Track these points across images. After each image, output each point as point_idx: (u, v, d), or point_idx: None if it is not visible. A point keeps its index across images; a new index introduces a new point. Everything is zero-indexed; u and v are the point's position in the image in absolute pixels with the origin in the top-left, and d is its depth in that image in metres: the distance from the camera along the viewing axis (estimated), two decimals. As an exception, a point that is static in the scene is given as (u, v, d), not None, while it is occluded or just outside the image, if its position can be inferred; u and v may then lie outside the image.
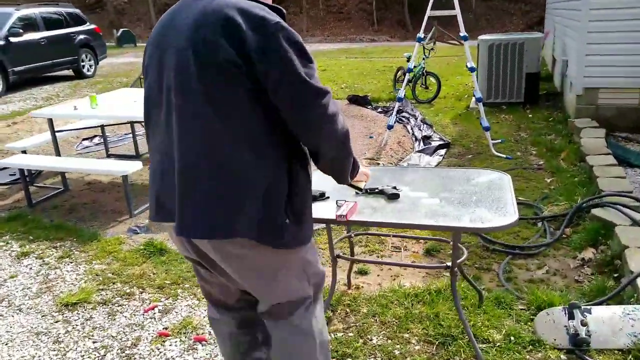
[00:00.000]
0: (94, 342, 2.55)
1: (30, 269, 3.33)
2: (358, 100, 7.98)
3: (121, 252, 3.48)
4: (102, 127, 5.71)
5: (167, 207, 1.51)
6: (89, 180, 5.03)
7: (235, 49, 1.34)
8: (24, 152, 4.78)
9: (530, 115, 6.76)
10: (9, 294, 3.03)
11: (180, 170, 1.44)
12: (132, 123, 5.86)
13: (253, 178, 1.42)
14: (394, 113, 5.76)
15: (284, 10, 1.48)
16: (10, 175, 5.10)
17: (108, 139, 6.06)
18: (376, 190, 2.29)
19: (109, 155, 5.78)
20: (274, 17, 1.39)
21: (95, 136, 6.48)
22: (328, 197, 2.29)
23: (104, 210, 4.30)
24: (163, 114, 1.50)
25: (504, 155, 5.24)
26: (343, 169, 1.68)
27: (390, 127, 5.69)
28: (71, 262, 3.39)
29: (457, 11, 5.03)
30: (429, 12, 5.21)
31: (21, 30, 10.04)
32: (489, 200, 2.15)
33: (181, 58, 1.40)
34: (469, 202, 2.15)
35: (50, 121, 4.63)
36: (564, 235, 3.46)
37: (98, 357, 2.43)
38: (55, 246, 3.63)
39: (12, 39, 9.85)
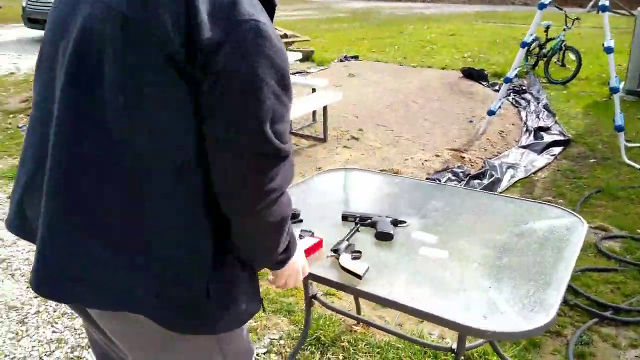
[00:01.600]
0: (53, 332, 2.29)
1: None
2: (472, 74, 6.89)
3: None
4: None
5: (29, 222, 1.02)
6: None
7: (178, 34, 0.82)
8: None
9: (693, 115, 5.20)
10: (12, 255, 2.94)
11: (54, 180, 0.91)
12: None
13: (165, 223, 0.91)
14: (500, 96, 4.74)
15: (276, 2, 0.95)
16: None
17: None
18: (368, 220, 1.63)
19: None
20: (252, 10, 0.86)
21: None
22: (301, 221, 1.68)
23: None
24: (49, 83, 0.97)
25: (638, 166, 4.01)
26: (258, 255, 1.06)
27: (491, 113, 4.69)
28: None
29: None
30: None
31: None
32: (526, 270, 1.37)
33: (98, 18, 0.87)
34: (491, 269, 1.40)
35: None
36: (688, 303, 2.42)
37: (46, 352, 2.18)
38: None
39: None
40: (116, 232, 0.90)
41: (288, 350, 2.17)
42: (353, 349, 2.16)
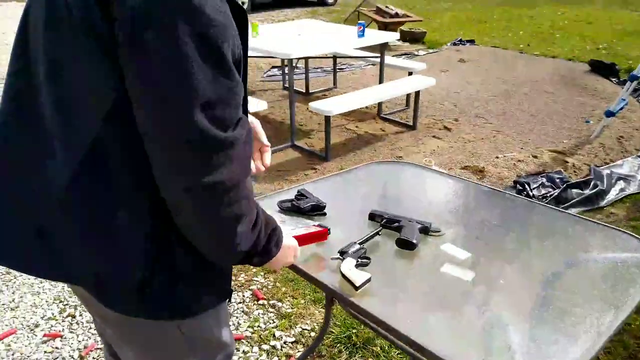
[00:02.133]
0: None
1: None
2: (601, 68, 6.08)
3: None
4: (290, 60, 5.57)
5: None
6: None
7: (96, 4, 0.75)
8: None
9: None
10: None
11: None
12: (335, 58, 5.59)
13: (91, 197, 0.86)
14: (623, 96, 4.10)
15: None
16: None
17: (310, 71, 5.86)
18: (395, 223, 1.46)
19: (284, 88, 5.69)
20: None
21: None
22: (325, 214, 1.56)
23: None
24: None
25: None
26: (210, 253, 0.94)
27: (609, 114, 4.09)
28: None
29: None
30: None
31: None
32: (560, 312, 1.13)
33: None
34: (518, 303, 1.17)
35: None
36: None
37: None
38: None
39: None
40: (83, 214, 0.87)
41: (317, 343, 2.08)
42: (384, 356, 2.01)
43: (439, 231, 1.47)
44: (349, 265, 1.24)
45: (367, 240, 1.38)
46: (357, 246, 1.33)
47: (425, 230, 1.45)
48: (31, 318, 2.18)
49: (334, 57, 5.66)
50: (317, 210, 1.56)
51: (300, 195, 1.62)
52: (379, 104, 4.80)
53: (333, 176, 1.88)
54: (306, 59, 5.42)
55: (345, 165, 3.80)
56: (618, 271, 1.28)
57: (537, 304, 1.16)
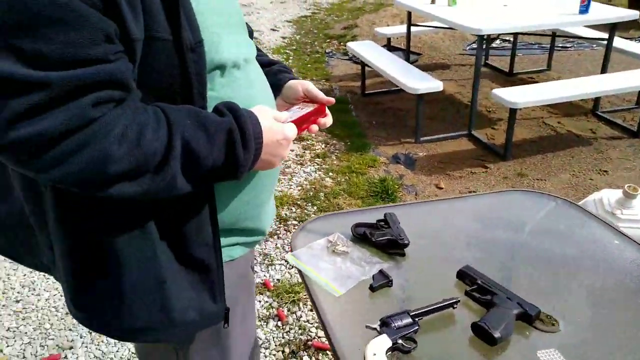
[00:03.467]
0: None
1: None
2: None
3: (356, 177, 3.10)
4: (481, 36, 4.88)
5: None
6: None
7: None
8: (389, 39, 4.73)
9: None
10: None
11: None
12: (554, 35, 4.77)
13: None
14: None
15: None
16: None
17: (519, 45, 5.10)
18: (488, 296, 1.04)
19: (485, 64, 5.03)
20: None
21: (496, 38, 5.69)
22: (403, 254, 1.21)
23: (403, 123, 3.87)
24: None
25: None
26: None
27: None
28: (302, 165, 3.30)
29: None
30: None
31: None
32: None
33: None
34: None
35: (409, 14, 4.27)
36: None
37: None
38: (328, 142, 3.60)
39: None
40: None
41: None
42: None
43: (553, 324, 1.00)
44: (377, 348, 0.91)
45: (429, 312, 1.00)
46: (408, 320, 0.97)
47: (527, 318, 0.99)
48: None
49: (553, 34, 4.75)
50: (394, 247, 1.21)
51: (384, 222, 1.29)
52: (596, 98, 3.86)
53: (446, 201, 1.47)
54: (515, 34, 4.66)
55: (525, 170, 3.16)
56: None
57: None
